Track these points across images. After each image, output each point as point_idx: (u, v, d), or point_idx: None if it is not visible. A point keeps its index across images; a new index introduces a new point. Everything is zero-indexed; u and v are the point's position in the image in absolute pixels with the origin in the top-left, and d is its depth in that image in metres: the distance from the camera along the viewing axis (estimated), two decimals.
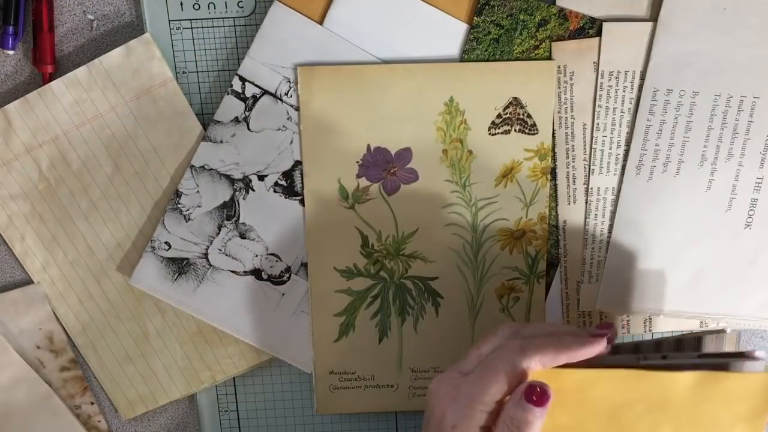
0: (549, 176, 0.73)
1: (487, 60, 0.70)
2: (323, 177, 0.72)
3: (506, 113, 0.71)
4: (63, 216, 0.73)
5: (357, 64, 0.70)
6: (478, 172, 0.72)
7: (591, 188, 0.73)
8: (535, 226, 0.74)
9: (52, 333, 0.75)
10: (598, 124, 0.72)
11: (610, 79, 0.71)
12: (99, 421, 0.78)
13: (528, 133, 0.72)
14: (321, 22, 0.70)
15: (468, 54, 0.70)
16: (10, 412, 0.76)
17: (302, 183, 0.73)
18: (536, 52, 0.70)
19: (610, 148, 0.72)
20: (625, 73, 0.71)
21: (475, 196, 0.73)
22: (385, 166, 0.72)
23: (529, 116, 0.71)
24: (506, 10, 0.70)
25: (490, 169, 0.72)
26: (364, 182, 0.73)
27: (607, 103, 0.71)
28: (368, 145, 0.72)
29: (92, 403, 0.77)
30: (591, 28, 0.70)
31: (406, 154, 0.72)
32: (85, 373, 0.77)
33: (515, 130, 0.72)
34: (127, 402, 0.77)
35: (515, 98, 0.71)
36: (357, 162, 0.72)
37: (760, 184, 0.71)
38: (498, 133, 0.72)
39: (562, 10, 0.70)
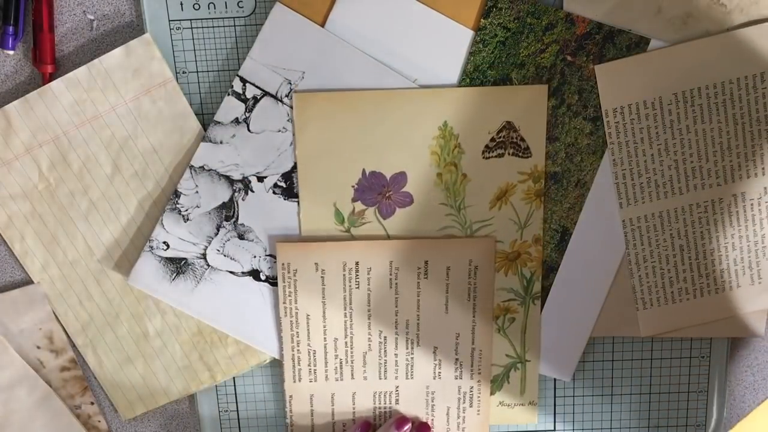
0: (542, 199, 0.73)
1: (492, 63, 0.70)
2: (319, 201, 0.72)
3: (500, 137, 0.71)
4: (63, 216, 0.73)
5: (352, 90, 0.70)
6: (473, 195, 0.72)
7: (624, 221, 0.73)
8: (530, 247, 0.73)
9: (52, 333, 0.76)
10: (614, 159, 0.71)
11: (615, 116, 0.70)
12: (99, 421, 0.78)
13: (521, 156, 0.71)
14: (323, 25, 0.70)
15: (474, 56, 0.70)
16: (10, 412, 0.76)
17: None
18: (542, 55, 0.70)
19: (632, 179, 0.72)
20: (629, 107, 0.70)
21: (470, 219, 0.73)
22: (381, 190, 0.72)
23: (522, 140, 0.71)
24: (513, 13, 0.69)
25: (485, 192, 0.72)
26: (359, 206, 0.73)
27: (618, 138, 0.71)
28: (363, 170, 0.72)
29: (92, 403, 0.78)
30: (598, 33, 0.69)
31: (401, 178, 0.72)
32: (85, 373, 0.77)
33: (509, 154, 0.71)
34: (127, 402, 0.78)
35: (508, 122, 0.71)
36: (352, 186, 0.72)
37: None
38: (492, 156, 0.71)
39: (569, 14, 0.69)
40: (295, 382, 0.76)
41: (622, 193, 0.72)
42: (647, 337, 0.77)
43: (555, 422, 0.79)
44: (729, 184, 0.72)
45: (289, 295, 0.73)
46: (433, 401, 0.77)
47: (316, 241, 0.73)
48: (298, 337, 0.74)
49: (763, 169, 0.71)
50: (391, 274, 0.73)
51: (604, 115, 0.71)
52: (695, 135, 0.71)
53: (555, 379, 0.78)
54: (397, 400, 0.77)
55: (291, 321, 0.74)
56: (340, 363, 0.75)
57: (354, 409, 0.77)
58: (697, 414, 0.79)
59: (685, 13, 0.68)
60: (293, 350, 0.75)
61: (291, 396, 0.76)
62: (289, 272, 0.73)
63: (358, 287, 0.73)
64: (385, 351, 0.75)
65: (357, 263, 0.73)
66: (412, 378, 0.76)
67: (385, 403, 0.77)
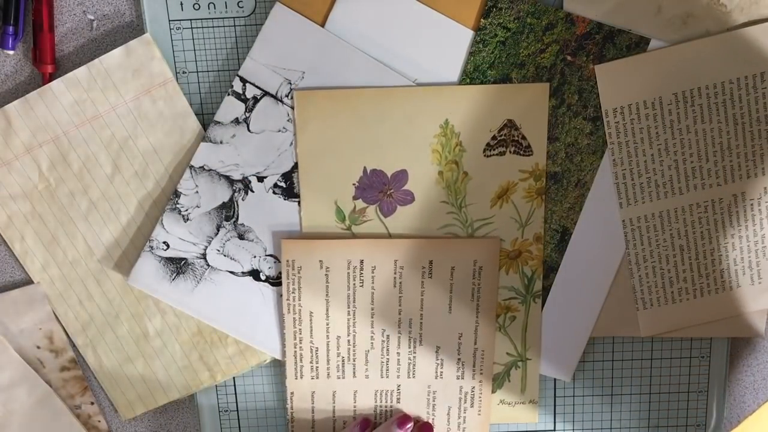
0: (543, 197, 0.73)
1: (492, 63, 0.70)
2: (320, 199, 0.72)
3: (501, 135, 0.71)
4: (63, 216, 0.73)
5: (353, 88, 0.70)
6: (474, 194, 0.72)
7: (624, 221, 0.73)
8: (531, 246, 0.73)
9: (52, 333, 0.76)
10: (614, 159, 0.71)
11: (615, 116, 0.70)
12: (99, 421, 0.78)
13: (523, 155, 0.71)
14: (323, 25, 0.70)
15: (474, 56, 0.70)
16: (10, 412, 0.76)
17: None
18: (542, 55, 0.70)
19: (633, 179, 0.72)
20: (629, 107, 0.70)
21: (471, 217, 0.73)
22: (382, 188, 0.72)
23: (523, 138, 0.71)
24: (513, 13, 0.69)
25: (486, 190, 0.72)
26: (360, 204, 0.73)
27: (618, 138, 0.71)
28: (364, 168, 0.72)
29: (92, 403, 0.78)
30: (598, 33, 0.69)
31: (402, 176, 0.72)
32: (85, 373, 0.77)
33: (510, 152, 0.71)
34: (127, 402, 0.78)
35: (510, 120, 0.71)
36: (353, 184, 0.72)
37: None
38: (493, 154, 0.71)
39: (569, 14, 0.69)
40: (296, 379, 0.76)
41: (622, 193, 0.72)
42: (647, 337, 0.77)
43: (555, 422, 0.79)
44: (729, 184, 0.72)
45: (293, 292, 0.73)
46: (434, 401, 0.77)
47: (318, 238, 0.73)
48: (300, 334, 0.74)
49: (763, 169, 0.71)
50: (395, 273, 0.73)
51: (604, 115, 0.71)
52: (695, 135, 0.71)
53: (555, 379, 0.78)
54: (398, 399, 0.77)
55: (294, 318, 0.74)
56: (342, 361, 0.75)
57: (355, 407, 0.77)
58: (697, 414, 0.79)
59: (685, 13, 0.69)
60: (295, 347, 0.75)
61: (292, 393, 0.76)
62: (293, 269, 0.73)
63: (362, 285, 0.73)
64: (387, 350, 0.75)
65: (361, 261, 0.73)
66: (413, 377, 0.76)
67: (386, 402, 0.77)
